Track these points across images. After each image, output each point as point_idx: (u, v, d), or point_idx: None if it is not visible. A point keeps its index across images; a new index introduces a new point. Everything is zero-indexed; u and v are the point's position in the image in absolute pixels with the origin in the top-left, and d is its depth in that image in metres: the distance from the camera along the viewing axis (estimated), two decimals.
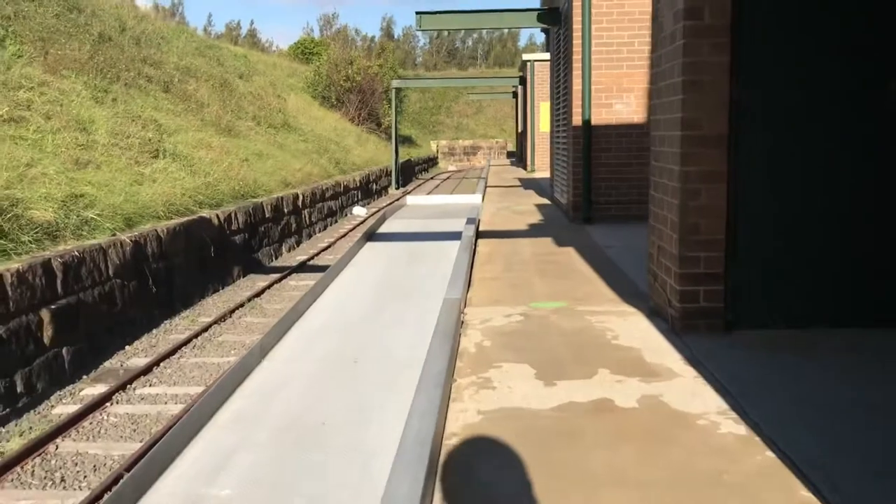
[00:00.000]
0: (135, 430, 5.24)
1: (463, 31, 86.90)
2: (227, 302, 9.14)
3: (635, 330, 4.57)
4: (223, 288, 9.82)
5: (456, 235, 9.05)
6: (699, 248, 4.32)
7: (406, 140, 42.05)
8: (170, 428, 4.57)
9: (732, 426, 3.10)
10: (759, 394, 3.42)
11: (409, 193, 25.27)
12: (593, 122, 9.96)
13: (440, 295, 5.83)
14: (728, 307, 4.35)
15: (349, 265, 8.00)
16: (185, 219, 9.27)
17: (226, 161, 12.71)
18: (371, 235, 9.66)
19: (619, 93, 9.96)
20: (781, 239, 4.32)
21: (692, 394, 3.48)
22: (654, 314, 4.88)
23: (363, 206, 19.88)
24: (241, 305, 8.79)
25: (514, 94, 34.64)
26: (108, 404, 5.69)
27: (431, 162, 43.59)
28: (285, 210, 13.14)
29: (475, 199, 13.59)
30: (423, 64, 77.43)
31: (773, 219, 4.32)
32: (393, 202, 20.81)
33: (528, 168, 23.28)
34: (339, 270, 7.52)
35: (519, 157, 30.81)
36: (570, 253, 7.83)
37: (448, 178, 35.90)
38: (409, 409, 3.22)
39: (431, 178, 35.04)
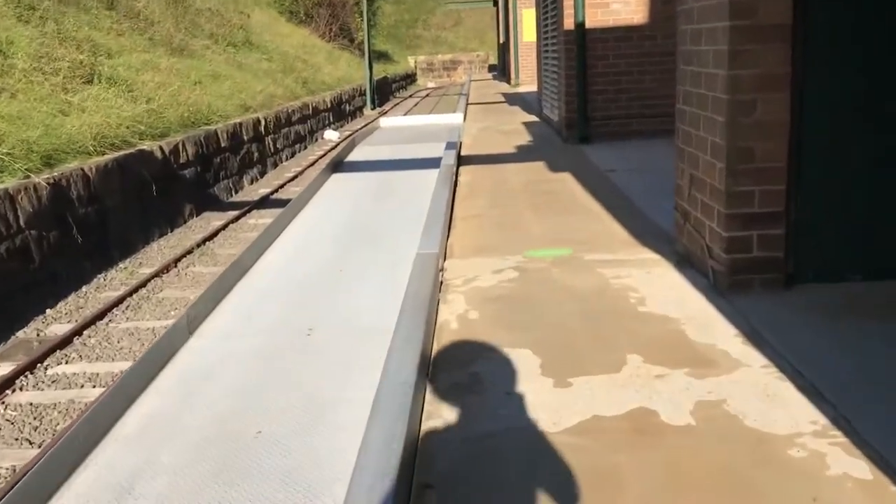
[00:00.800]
0: (35, 429, 4.21)
1: None
2: (174, 247, 8.00)
3: (666, 288, 3.51)
4: (172, 230, 8.66)
5: (434, 162, 7.91)
6: (753, 180, 3.22)
7: (382, 56, 40.02)
8: (49, 449, 3.52)
9: (845, 459, 2.07)
10: (864, 390, 2.38)
11: (382, 115, 23.82)
12: (588, 24, 8.67)
13: (415, 239, 4.75)
14: (789, 255, 3.29)
15: (308, 204, 6.84)
16: (121, 153, 8.02)
17: (174, 84, 11.32)
18: (337, 165, 8.46)
19: None
20: (864, 166, 3.22)
21: (767, 396, 2.44)
22: (685, 263, 3.82)
23: (335, 129, 18.50)
24: (190, 252, 7.66)
25: (495, 3, 32.65)
26: (7, 392, 4.64)
27: (410, 79, 41.68)
28: (245, 137, 11.84)
29: (456, 118, 12.34)
30: None
31: (854, 140, 3.21)
32: (367, 124, 19.44)
33: (512, 82, 21.81)
34: (294, 213, 6.36)
35: (501, 70, 29.18)
36: (568, 180, 6.71)
37: (427, 95, 34.22)
38: (362, 441, 2.18)
39: (410, 96, 33.36)
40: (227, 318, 4.34)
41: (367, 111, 24.05)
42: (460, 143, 9.12)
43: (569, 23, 8.73)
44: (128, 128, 8.68)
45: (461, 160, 8.27)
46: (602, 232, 4.76)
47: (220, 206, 10.04)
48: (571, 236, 4.69)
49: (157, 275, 6.93)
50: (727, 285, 3.32)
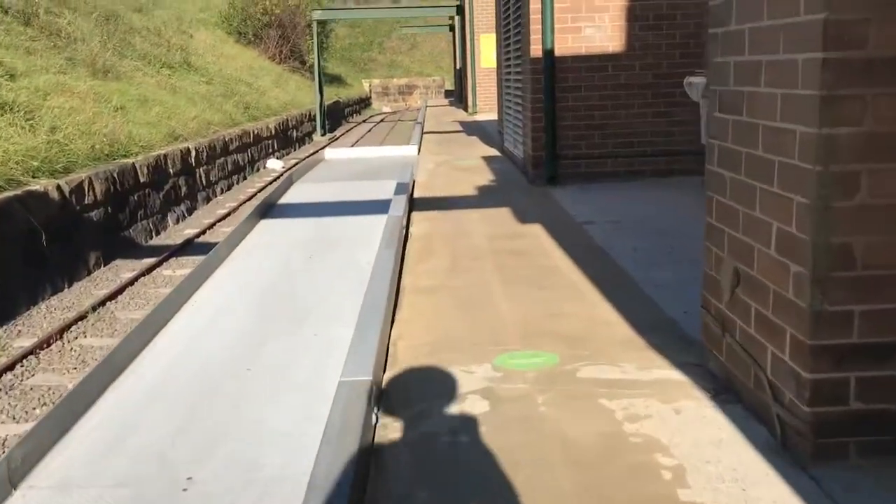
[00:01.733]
0: None
1: None
2: (67, 309, 6.64)
3: (709, 446, 2.36)
4: (70, 285, 7.29)
5: (383, 206, 6.77)
6: (853, 295, 2.11)
7: (335, 79, 38.85)
8: None
9: None
10: None
11: (332, 142, 22.60)
12: (557, 52, 7.63)
13: (351, 316, 3.58)
14: None
15: (223, 263, 5.59)
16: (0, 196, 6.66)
17: (89, 110, 9.96)
18: (267, 209, 7.22)
19: (590, 13, 7.62)
20: None
21: None
22: (727, 393, 2.69)
23: (280, 157, 17.22)
24: (84, 317, 6.31)
25: (451, 28, 31.83)
26: None
27: (364, 103, 40.56)
28: (171, 170, 10.51)
29: (410, 150, 11.21)
30: (356, 2, 73.03)
31: None
32: (313, 153, 18.22)
33: (470, 109, 20.84)
34: (202, 277, 5.11)
35: (458, 96, 28.26)
36: (540, 235, 5.59)
37: (382, 120, 33.11)
38: None
39: (363, 122, 32.20)
40: (76, 454, 3.07)
41: (317, 137, 22.80)
42: (413, 183, 7.97)
43: (535, 49, 7.69)
44: (17, 163, 7.32)
45: (415, 203, 7.12)
46: (594, 320, 3.62)
47: (136, 252, 8.68)
48: (555, 326, 3.54)
49: (33, 350, 5.58)
50: (810, 452, 2.18)
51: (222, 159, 13.02)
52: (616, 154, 7.85)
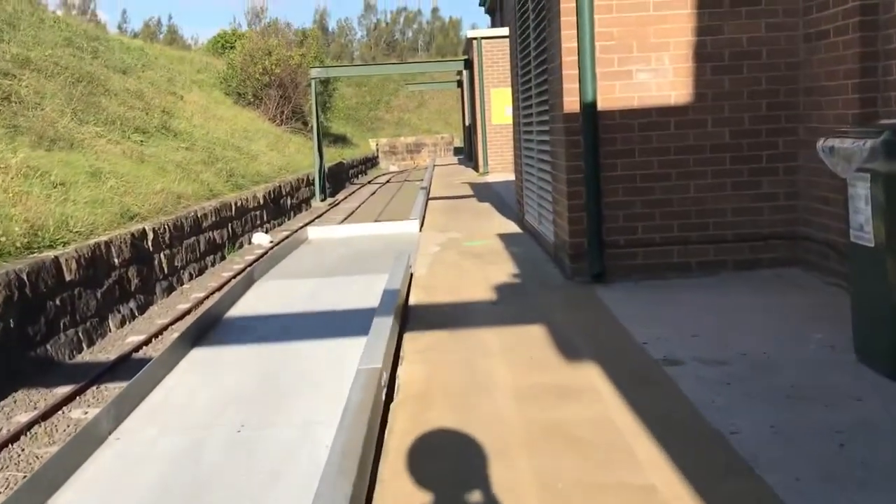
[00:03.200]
0: None
1: (402, 21, 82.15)
2: None
3: None
4: None
5: (363, 323, 4.75)
6: None
7: (339, 139, 37.37)
8: None
9: None
10: None
11: (332, 208, 20.71)
12: (601, 104, 5.64)
13: None
14: None
15: (103, 444, 3.50)
16: None
17: (12, 189, 8.06)
18: (204, 331, 5.16)
19: (644, 52, 5.65)
20: None
21: None
22: None
23: (269, 230, 15.29)
24: None
25: (459, 84, 30.32)
26: None
27: (370, 162, 39.00)
28: (116, 260, 8.52)
29: (409, 227, 9.21)
30: (361, 57, 72.44)
31: None
32: (300, 228, 16.30)
33: (480, 169, 18.97)
34: (60, 472, 3.02)
35: (468, 154, 26.51)
36: (600, 389, 3.48)
37: (388, 181, 31.39)
38: None
39: (368, 183, 30.48)
40: None
41: (316, 203, 20.95)
42: (410, 281, 5.92)
43: (570, 102, 5.70)
44: None
45: (409, 316, 5.06)
46: None
47: (51, 376, 6.63)
48: None
49: None
50: None
51: (192, 239, 11.05)
52: (684, 240, 5.77)
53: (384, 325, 4.16)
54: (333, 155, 30.19)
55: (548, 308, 5.14)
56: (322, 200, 21.36)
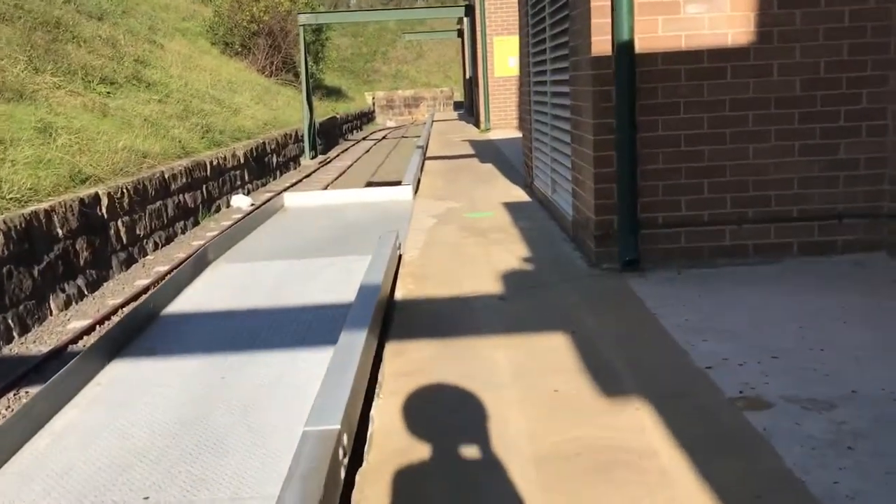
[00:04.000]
0: None
1: None
2: None
3: None
4: None
5: (329, 329, 3.66)
6: None
7: (333, 92, 35.81)
8: None
9: None
10: None
11: (323, 166, 19.45)
12: (639, 47, 4.43)
13: None
14: None
15: None
16: None
17: None
18: (129, 335, 4.02)
19: None
20: None
21: None
22: None
23: (252, 191, 14.07)
24: None
25: (460, 33, 28.75)
26: None
27: (366, 117, 37.48)
28: (60, 231, 7.35)
29: (402, 193, 8.01)
30: (358, 6, 70.15)
31: None
32: (279, 193, 15.09)
33: (482, 126, 17.66)
34: None
35: (469, 109, 25.11)
36: (664, 464, 2.34)
37: (384, 137, 30.01)
38: None
39: (364, 139, 29.09)
40: None
41: (305, 161, 19.66)
42: (395, 275, 4.77)
43: (600, 43, 4.48)
44: None
45: (395, 319, 3.92)
46: None
47: None
48: None
49: None
50: None
51: (158, 203, 9.85)
52: (739, 218, 4.60)
53: (353, 345, 3.02)
54: (326, 109, 28.77)
55: (570, 308, 4.00)
56: (312, 158, 20.08)
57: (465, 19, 21.61)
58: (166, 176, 10.22)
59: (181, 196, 10.67)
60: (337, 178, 16.58)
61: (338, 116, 28.50)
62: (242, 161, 13.85)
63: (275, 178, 16.43)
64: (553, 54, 6.26)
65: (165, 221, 10.02)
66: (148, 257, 9.22)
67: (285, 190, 14.41)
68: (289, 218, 7.44)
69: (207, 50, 26.47)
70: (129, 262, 8.77)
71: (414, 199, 8.08)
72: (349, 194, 8.12)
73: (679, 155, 4.57)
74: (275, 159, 16.61)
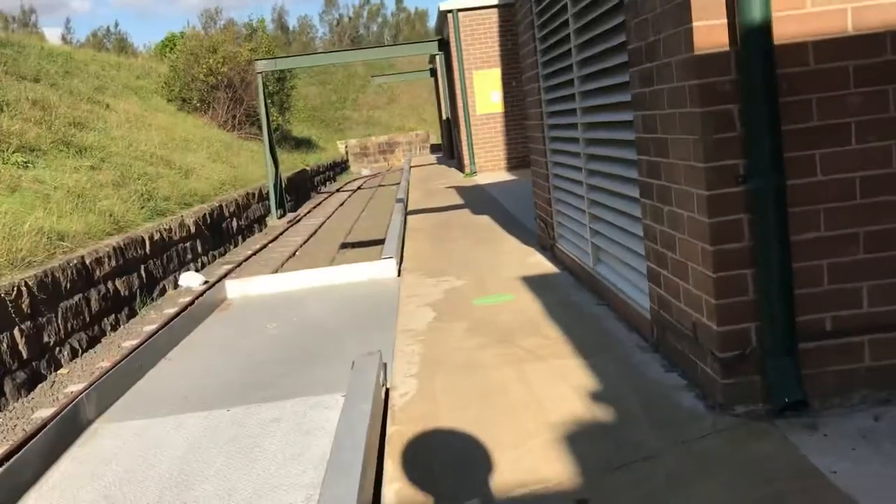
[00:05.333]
0: None
1: (366, 15, 78.56)
2: None
3: None
4: None
5: None
6: None
7: (303, 143, 34.01)
8: None
9: None
10: None
11: (293, 225, 17.48)
12: (778, 34, 2.54)
13: None
14: None
15: None
16: None
17: None
18: None
19: None
20: None
21: None
22: None
23: (206, 265, 12.04)
24: None
25: (433, 73, 27.15)
26: None
27: (339, 167, 35.66)
28: None
29: (381, 270, 6.05)
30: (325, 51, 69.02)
31: None
32: (254, 253, 13.12)
33: (467, 170, 15.81)
34: None
35: (448, 151, 23.33)
36: None
37: (359, 187, 28.15)
38: None
39: (337, 191, 27.21)
40: None
41: (273, 221, 17.67)
42: (381, 444, 2.80)
43: (707, 32, 2.57)
44: None
45: None
46: None
47: None
48: None
49: None
50: None
51: (77, 297, 7.81)
52: None
53: None
54: (295, 161, 26.93)
55: None
56: (280, 217, 18.11)
57: (439, 56, 19.97)
58: (88, 261, 8.19)
59: (110, 283, 8.63)
60: (307, 240, 14.60)
61: (308, 169, 26.64)
62: (193, 230, 11.84)
63: (236, 245, 14.41)
64: (584, 70, 4.38)
65: (88, 319, 7.96)
66: (61, 371, 7.15)
67: (245, 260, 12.40)
68: (229, 319, 5.43)
69: (162, 108, 24.63)
70: (32, 383, 6.69)
71: (399, 275, 6.12)
72: (313, 277, 6.12)
73: (853, 213, 2.65)
74: (235, 223, 14.61)
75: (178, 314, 8.02)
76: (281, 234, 15.71)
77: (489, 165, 15.60)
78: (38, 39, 33.26)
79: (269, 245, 14.15)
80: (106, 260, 8.59)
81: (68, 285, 7.65)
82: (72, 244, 8.32)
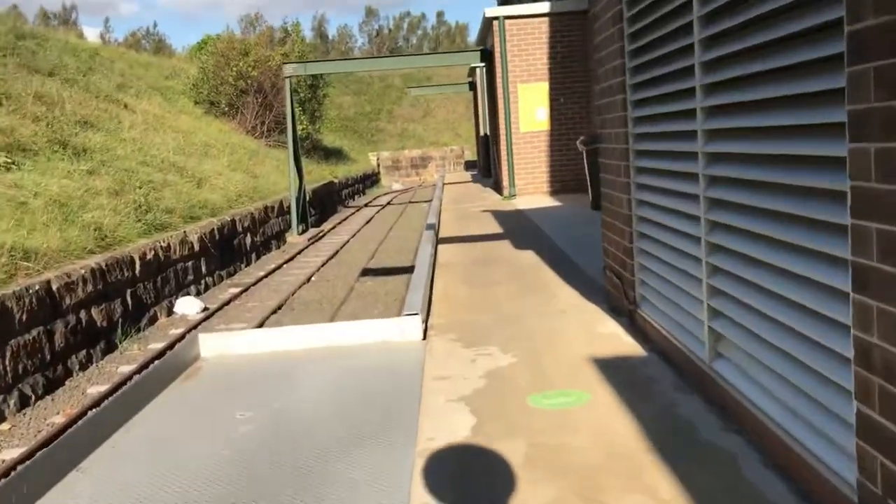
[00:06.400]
0: None
1: (406, 27, 77.76)
2: None
3: None
4: None
5: None
6: None
7: (334, 154, 32.82)
8: None
9: None
10: None
11: (314, 242, 16.14)
12: None
13: None
14: None
15: None
16: None
17: None
18: None
19: None
20: None
21: None
22: None
23: (208, 289, 10.70)
24: None
25: (472, 86, 25.79)
26: None
27: (369, 180, 34.41)
28: None
29: (404, 329, 4.63)
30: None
31: None
32: (267, 274, 11.78)
33: (506, 192, 14.35)
34: None
35: (484, 169, 21.90)
36: None
37: (389, 203, 26.83)
38: None
39: (365, 206, 25.91)
40: None
41: (293, 237, 16.35)
42: None
43: None
44: None
45: None
46: None
47: None
48: None
49: None
50: None
51: (36, 331, 6.46)
52: None
53: None
54: (323, 172, 25.70)
55: None
56: (302, 233, 16.78)
57: (480, 68, 18.59)
58: (56, 286, 6.85)
59: (83, 313, 7.28)
60: (326, 261, 13.22)
61: (336, 181, 25.36)
62: (197, 248, 10.50)
63: (248, 264, 13.07)
64: (714, 75, 2.91)
65: (49, 357, 6.61)
66: (2, 426, 5.78)
67: (255, 283, 11.04)
68: (192, 394, 4.01)
69: (188, 110, 23.55)
70: None
71: (425, 338, 4.66)
72: (309, 335, 4.68)
73: None
74: (249, 240, 13.28)
75: (127, 379, 6.60)
76: (300, 252, 14.36)
77: (530, 188, 14.13)
78: (71, 35, 32.51)
79: (285, 266, 12.79)
80: (80, 284, 7.26)
81: (24, 317, 6.31)
82: (39, 265, 6.99)
